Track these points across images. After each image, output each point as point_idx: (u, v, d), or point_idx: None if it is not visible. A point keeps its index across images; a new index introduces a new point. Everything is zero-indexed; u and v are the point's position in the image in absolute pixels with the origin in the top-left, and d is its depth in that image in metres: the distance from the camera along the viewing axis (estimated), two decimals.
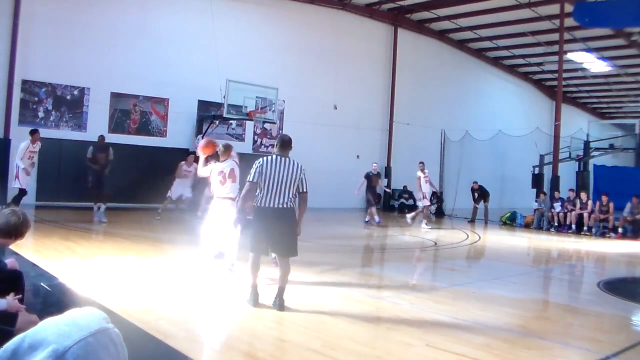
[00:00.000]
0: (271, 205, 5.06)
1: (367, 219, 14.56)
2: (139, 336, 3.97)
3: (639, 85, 25.68)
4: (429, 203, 15.04)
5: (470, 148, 19.52)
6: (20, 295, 3.08)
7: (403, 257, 9.98)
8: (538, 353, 4.29)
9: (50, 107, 13.95)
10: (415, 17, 21.22)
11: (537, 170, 18.91)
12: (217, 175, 6.72)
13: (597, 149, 20.38)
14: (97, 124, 14.30)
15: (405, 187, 19.72)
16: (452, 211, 18.57)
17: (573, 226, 14.98)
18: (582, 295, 7.42)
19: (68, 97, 14.19)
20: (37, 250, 7.23)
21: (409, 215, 14.91)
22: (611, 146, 20.59)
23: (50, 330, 0.94)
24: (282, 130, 17.40)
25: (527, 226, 16.20)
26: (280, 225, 5.08)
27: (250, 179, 5.11)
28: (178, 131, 15.76)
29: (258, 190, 5.14)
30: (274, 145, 5.74)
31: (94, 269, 6.51)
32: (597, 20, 15.98)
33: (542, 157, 18.90)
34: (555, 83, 21.69)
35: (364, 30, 20.12)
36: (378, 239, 12.62)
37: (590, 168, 20.06)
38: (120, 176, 12.78)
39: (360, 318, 5.04)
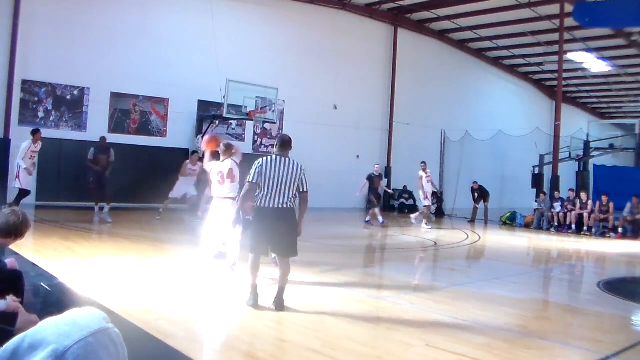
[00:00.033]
0: (271, 205, 5.05)
1: (367, 219, 14.56)
2: (139, 336, 3.97)
3: (639, 85, 25.69)
4: (430, 203, 15.06)
5: (470, 148, 19.52)
6: (20, 299, 3.07)
7: (403, 257, 9.97)
8: (538, 353, 4.29)
9: (50, 107, 13.95)
10: (415, 17, 21.22)
11: (537, 170, 18.92)
12: (217, 175, 6.75)
13: (597, 149, 20.39)
14: (97, 124, 14.30)
15: (405, 187, 19.72)
16: (452, 211, 18.57)
17: (573, 226, 14.98)
18: (582, 295, 7.42)
19: (68, 97, 14.18)
20: (37, 250, 7.23)
21: (412, 216, 14.92)
22: (611, 146, 20.60)
23: (50, 330, 0.94)
24: (282, 130, 17.40)
25: (527, 226, 16.20)
26: (280, 225, 5.07)
27: (250, 180, 5.11)
28: (178, 131, 15.76)
29: (258, 191, 5.14)
30: (274, 145, 5.74)
31: (94, 269, 6.51)
32: (597, 20, 15.98)
33: (542, 157, 18.91)
34: (555, 83, 21.69)
35: (364, 30, 20.12)
36: (378, 239, 12.62)
37: (590, 168, 20.06)
38: (120, 176, 12.78)
39: (360, 318, 5.04)
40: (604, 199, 14.72)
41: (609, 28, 18.52)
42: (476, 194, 17.04)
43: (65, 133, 14.05)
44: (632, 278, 9.18)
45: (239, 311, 5.05)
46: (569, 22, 16.93)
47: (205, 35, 15.20)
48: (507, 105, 25.89)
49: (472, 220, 16.85)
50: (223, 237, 6.74)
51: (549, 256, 11.64)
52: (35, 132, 10.44)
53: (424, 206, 14.69)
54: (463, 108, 23.18)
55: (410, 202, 19.67)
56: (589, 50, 21.38)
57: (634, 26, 18.23)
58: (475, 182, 17.11)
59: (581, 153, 20.15)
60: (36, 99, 13.75)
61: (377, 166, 15.30)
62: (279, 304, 5.09)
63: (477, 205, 17.03)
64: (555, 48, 18.94)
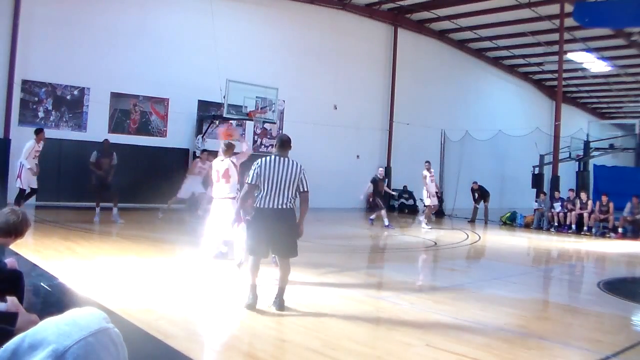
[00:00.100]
0: (271, 206, 5.03)
1: (372, 217, 14.52)
2: (139, 336, 3.97)
3: (639, 85, 25.69)
4: (437, 202, 15.07)
5: (470, 148, 19.51)
6: (20, 299, 3.07)
7: (403, 257, 9.97)
8: (538, 353, 4.29)
9: (50, 107, 13.95)
10: (415, 17, 21.22)
11: (537, 170, 18.92)
12: (214, 173, 6.83)
13: (597, 149, 20.38)
14: (97, 124, 14.31)
15: (405, 187, 19.72)
16: (452, 211, 18.57)
17: (573, 226, 14.98)
18: (582, 295, 7.42)
19: (68, 97, 14.18)
20: (37, 250, 7.23)
21: (421, 218, 14.87)
22: (611, 146, 20.60)
23: (50, 330, 0.94)
24: (282, 130, 17.40)
25: (527, 226, 16.20)
26: (280, 226, 5.05)
27: (249, 181, 5.09)
28: (178, 131, 15.76)
29: (258, 191, 5.13)
30: (273, 145, 5.74)
31: (94, 269, 6.51)
32: (597, 20, 15.97)
33: (542, 157, 18.91)
34: (555, 83, 21.70)
35: (364, 30, 20.12)
36: (378, 239, 12.62)
37: (590, 168, 20.06)
38: (120, 176, 12.73)
39: (360, 318, 5.04)
40: (604, 199, 14.72)
41: (609, 28, 18.52)
42: (476, 194, 17.04)
43: (65, 133, 14.04)
44: (632, 278, 9.18)
45: (239, 311, 5.05)
46: (569, 22, 16.93)
47: (205, 35, 15.20)
48: (507, 105, 25.90)
49: (472, 220, 16.86)
50: (223, 237, 6.74)
51: (549, 256, 11.64)
52: (38, 132, 10.45)
53: (425, 206, 14.67)
54: (463, 108, 23.19)
55: (410, 202, 19.67)
56: (589, 50, 21.39)
57: (634, 26, 18.23)
58: (475, 182, 17.12)
59: (581, 153, 20.14)
60: (36, 99, 13.75)
61: (381, 169, 15.25)
62: (279, 304, 5.09)
63: (477, 205, 17.04)
64: (555, 48, 18.95)
